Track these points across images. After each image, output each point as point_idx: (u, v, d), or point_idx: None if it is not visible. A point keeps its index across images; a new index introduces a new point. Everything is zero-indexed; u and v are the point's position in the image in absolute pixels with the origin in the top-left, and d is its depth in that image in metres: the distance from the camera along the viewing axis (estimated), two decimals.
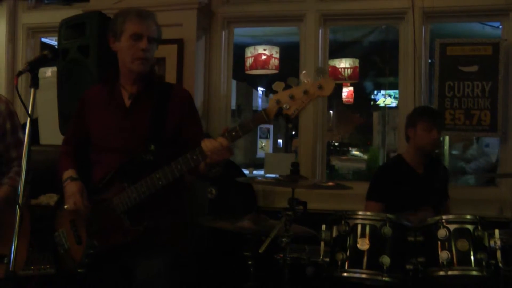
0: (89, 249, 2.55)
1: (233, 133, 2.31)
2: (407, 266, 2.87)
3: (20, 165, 2.88)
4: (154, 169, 2.45)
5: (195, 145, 2.39)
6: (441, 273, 2.80)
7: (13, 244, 2.19)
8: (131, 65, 2.62)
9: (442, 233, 2.85)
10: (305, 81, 2.21)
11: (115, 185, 2.54)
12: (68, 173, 2.67)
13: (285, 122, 2.29)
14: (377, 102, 10.01)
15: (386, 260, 2.80)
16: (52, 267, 3.36)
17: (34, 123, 2.43)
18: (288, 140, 10.95)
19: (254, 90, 11.10)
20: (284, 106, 2.22)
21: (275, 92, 2.27)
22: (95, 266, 2.56)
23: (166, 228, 2.61)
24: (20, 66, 5.71)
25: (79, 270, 2.55)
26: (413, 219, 3.16)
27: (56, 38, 4.47)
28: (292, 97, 2.21)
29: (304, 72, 2.25)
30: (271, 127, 9.81)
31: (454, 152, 7.77)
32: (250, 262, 3.30)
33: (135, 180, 2.48)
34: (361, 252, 2.88)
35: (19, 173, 2.91)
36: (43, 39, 6.02)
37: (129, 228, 2.49)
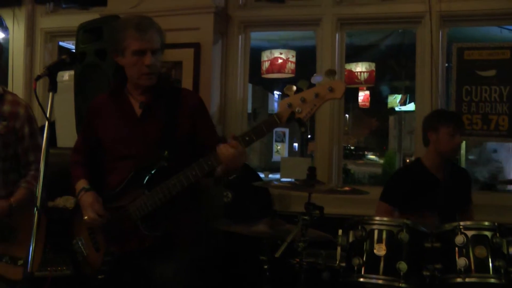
0: (107, 256, 2.56)
1: (247, 138, 2.29)
2: (424, 273, 2.83)
3: (37, 169, 2.97)
4: (169, 175, 2.44)
5: (210, 147, 2.38)
6: (459, 280, 2.76)
7: (31, 246, 2.21)
8: (138, 81, 2.59)
9: (459, 239, 2.82)
10: (316, 84, 2.19)
11: (130, 192, 2.54)
12: (81, 184, 2.68)
13: (298, 126, 2.27)
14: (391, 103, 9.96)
15: (403, 266, 2.78)
16: (68, 269, 3.40)
17: (51, 126, 2.45)
18: (303, 143, 10.92)
19: (270, 94, 11.10)
20: (297, 110, 2.19)
21: (286, 95, 2.25)
22: (112, 272, 2.57)
23: (182, 232, 2.61)
24: (38, 70, 5.77)
25: (98, 277, 2.55)
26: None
27: (74, 42, 4.50)
28: (303, 100, 2.18)
29: (315, 74, 2.23)
30: (286, 130, 9.81)
31: (470, 157, 7.72)
32: (266, 267, 3.30)
33: (150, 186, 2.48)
34: (378, 257, 2.86)
35: (35, 177, 2.96)
36: (61, 43, 6.08)
37: (146, 235, 2.50)
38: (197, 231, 2.73)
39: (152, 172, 2.51)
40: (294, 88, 2.23)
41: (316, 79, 2.20)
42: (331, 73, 2.20)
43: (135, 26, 2.54)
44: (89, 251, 2.67)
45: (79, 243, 2.70)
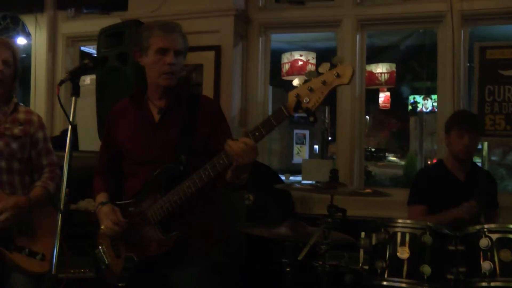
0: (128, 262, 2.58)
1: (256, 133, 2.27)
2: (448, 276, 2.80)
3: (51, 171, 3.09)
4: (185, 179, 2.45)
5: None
6: (484, 284, 2.72)
7: (55, 248, 2.24)
8: (158, 80, 2.60)
9: (484, 242, 2.78)
10: (323, 72, 2.17)
11: (149, 196, 2.55)
12: (99, 198, 2.72)
13: (307, 115, 2.23)
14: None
15: (426, 269, 2.76)
16: (91, 271, 3.44)
17: (73, 129, 2.50)
18: (324, 145, 10.88)
19: None
20: (304, 100, 2.15)
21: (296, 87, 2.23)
22: (134, 279, 2.59)
23: (200, 236, 2.60)
24: (60, 74, 5.85)
25: (119, 284, 2.57)
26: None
27: (95, 46, 4.55)
28: (311, 90, 2.15)
29: (323, 63, 2.19)
30: (307, 132, 9.78)
31: (493, 158, 7.62)
32: (288, 269, 3.30)
33: (167, 190, 2.49)
34: (401, 260, 2.84)
35: (50, 178, 3.07)
36: (82, 48, 6.14)
37: (163, 238, 2.51)
38: (215, 237, 2.72)
39: (170, 176, 2.51)
40: (303, 79, 2.22)
41: (323, 67, 2.17)
42: (338, 60, 2.17)
43: (160, 26, 2.60)
44: (110, 258, 2.69)
45: (102, 251, 2.72)
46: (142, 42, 2.62)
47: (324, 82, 2.14)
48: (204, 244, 2.62)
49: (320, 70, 2.16)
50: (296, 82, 2.22)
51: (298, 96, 2.18)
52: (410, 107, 9.93)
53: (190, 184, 2.42)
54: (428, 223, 2.90)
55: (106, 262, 2.69)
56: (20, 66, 3.10)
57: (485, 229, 2.82)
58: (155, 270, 2.60)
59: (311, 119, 2.21)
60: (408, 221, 3.00)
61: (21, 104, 3.17)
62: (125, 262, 2.59)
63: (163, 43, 2.56)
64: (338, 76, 2.12)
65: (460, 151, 3.52)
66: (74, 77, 2.34)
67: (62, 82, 2.33)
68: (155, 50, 2.57)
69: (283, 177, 5.84)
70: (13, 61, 3.00)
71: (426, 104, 9.61)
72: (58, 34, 5.97)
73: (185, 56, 2.68)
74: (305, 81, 2.18)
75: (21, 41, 6.47)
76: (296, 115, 2.37)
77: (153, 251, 2.54)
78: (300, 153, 9.78)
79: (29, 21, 6.07)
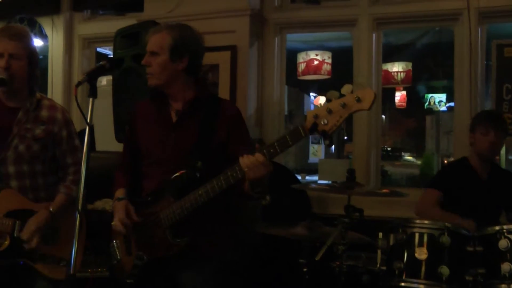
0: (137, 260, 2.59)
1: (271, 150, 2.24)
2: (467, 278, 2.78)
3: (75, 173, 3.01)
4: (200, 185, 2.45)
5: None
6: (503, 286, 2.71)
7: (73, 248, 2.24)
8: None
9: (503, 243, 2.76)
10: (345, 94, 2.12)
11: (163, 199, 2.56)
12: (118, 193, 2.73)
13: (322, 138, 2.19)
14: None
15: (445, 270, 2.74)
16: (107, 270, 3.46)
17: (91, 130, 2.48)
18: (340, 145, 10.86)
19: (305, 95, 11.07)
20: (322, 121, 2.09)
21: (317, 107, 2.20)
22: (143, 277, 2.61)
23: (211, 241, 2.60)
24: (76, 76, 5.90)
25: (127, 281, 2.59)
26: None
27: (111, 47, 4.56)
28: (330, 111, 2.09)
29: (346, 85, 2.14)
30: None
31: (511, 157, 7.55)
32: (305, 270, 3.29)
33: (180, 195, 2.49)
34: (419, 261, 2.82)
35: (74, 181, 2.99)
36: (98, 49, 6.18)
37: (171, 243, 2.52)
38: (227, 242, 2.70)
39: (184, 181, 2.51)
40: (324, 98, 2.18)
41: (346, 89, 2.12)
42: (361, 83, 2.13)
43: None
44: (122, 254, 2.71)
45: (115, 246, 2.74)
46: None
47: (343, 105, 2.07)
48: (215, 249, 2.61)
49: (343, 91, 2.12)
50: (321, 101, 2.16)
51: (316, 116, 2.11)
52: (427, 105, 9.87)
53: (202, 193, 2.42)
54: (446, 223, 2.88)
55: (118, 258, 2.71)
56: (36, 54, 2.97)
57: (504, 230, 2.80)
58: (164, 271, 2.61)
59: (326, 142, 2.17)
60: (426, 221, 2.98)
61: (45, 97, 3.08)
62: (135, 260, 2.60)
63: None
64: (358, 100, 2.05)
65: (485, 148, 3.49)
66: (91, 78, 2.34)
67: (79, 83, 2.34)
68: None
69: (299, 177, 5.84)
70: (25, 52, 2.86)
71: (442, 103, 9.56)
72: (75, 35, 6.02)
73: (173, 55, 2.63)
74: (326, 101, 2.13)
75: (37, 43, 6.52)
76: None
77: (162, 253, 2.55)
78: (316, 153, 9.77)
79: (45, 23, 6.12)
